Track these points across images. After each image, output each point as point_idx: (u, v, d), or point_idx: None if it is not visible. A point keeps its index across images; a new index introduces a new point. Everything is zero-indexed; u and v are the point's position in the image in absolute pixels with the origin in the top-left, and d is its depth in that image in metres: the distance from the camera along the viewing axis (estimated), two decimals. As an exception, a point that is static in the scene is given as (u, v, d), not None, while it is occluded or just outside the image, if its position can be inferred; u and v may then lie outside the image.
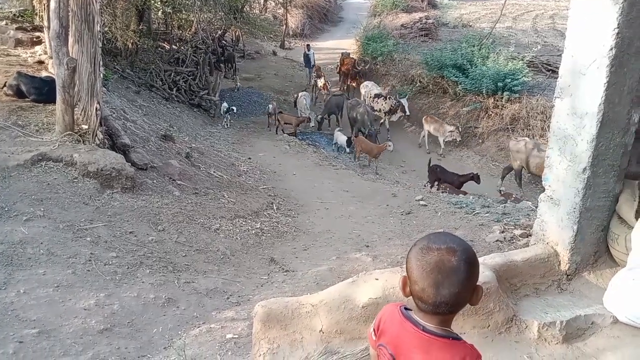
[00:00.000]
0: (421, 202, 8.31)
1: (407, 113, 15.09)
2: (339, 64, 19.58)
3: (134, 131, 8.79)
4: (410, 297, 1.43)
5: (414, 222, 7.24)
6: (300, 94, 16.26)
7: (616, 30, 2.74)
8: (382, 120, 15.32)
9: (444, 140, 14.31)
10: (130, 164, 6.74)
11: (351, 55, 20.05)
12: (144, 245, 5.41)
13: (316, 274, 5.00)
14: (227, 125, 14.40)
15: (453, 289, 1.34)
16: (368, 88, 16.35)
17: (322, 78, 17.97)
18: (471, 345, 1.42)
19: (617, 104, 2.89)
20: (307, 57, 19.74)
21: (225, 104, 14.72)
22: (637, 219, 2.92)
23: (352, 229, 7.12)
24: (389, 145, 12.70)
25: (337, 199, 8.87)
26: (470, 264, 1.37)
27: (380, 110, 15.28)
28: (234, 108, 14.93)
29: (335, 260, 5.58)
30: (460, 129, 14.28)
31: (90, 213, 5.60)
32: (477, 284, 1.41)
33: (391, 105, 15.13)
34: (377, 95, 15.60)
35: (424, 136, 14.82)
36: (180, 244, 5.62)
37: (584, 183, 2.92)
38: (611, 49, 2.76)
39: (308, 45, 21.04)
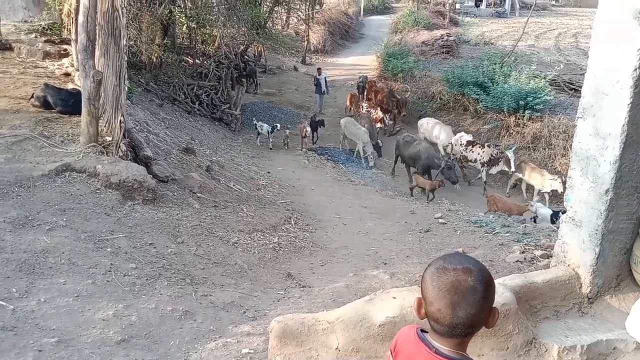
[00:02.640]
0: (440, 220, 8.25)
1: (514, 169, 12.28)
2: (361, 88, 18.20)
3: (157, 144, 8.92)
4: (426, 319, 1.42)
5: (433, 240, 7.18)
6: (347, 120, 14.67)
7: (640, 51, 2.71)
8: (478, 176, 13.23)
9: (541, 191, 11.96)
10: (151, 176, 6.82)
11: (370, 78, 19.27)
12: (163, 257, 5.45)
13: (333, 290, 4.98)
14: (271, 146, 13.98)
15: (470, 309, 1.33)
16: (447, 133, 14.08)
17: (378, 110, 16.28)
18: None
19: (642, 125, 2.86)
20: (318, 83, 17.94)
21: (265, 125, 14.24)
22: (661, 243, 2.87)
23: (369, 246, 7.09)
24: (531, 206, 9.88)
25: (355, 215, 8.85)
26: (487, 284, 1.36)
27: (476, 161, 13.00)
28: (277, 125, 14.52)
29: (352, 277, 5.55)
30: (563, 178, 10.83)
31: (111, 224, 5.67)
32: (494, 305, 1.40)
33: (491, 155, 12.63)
34: (471, 143, 13.28)
35: (515, 184, 12.95)
36: (199, 256, 5.65)
37: (606, 205, 2.88)
38: (635, 70, 2.74)
39: (320, 69, 18.88)
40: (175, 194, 7.08)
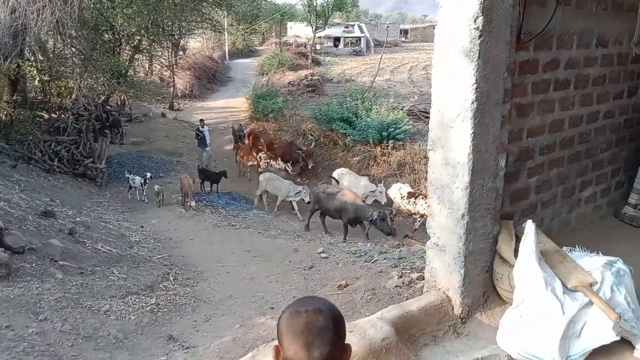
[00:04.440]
0: (322, 255, 8.34)
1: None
2: (239, 137, 17.73)
3: (9, 211, 8.02)
4: None
5: (317, 277, 7.21)
6: (268, 176, 14.12)
7: (475, 85, 2.98)
8: (415, 227, 11.99)
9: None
10: (4, 248, 6.11)
11: (247, 126, 19.01)
12: (22, 339, 4.82)
13: (219, 347, 4.73)
14: (145, 199, 13.17)
15: (324, 348, 1.37)
16: (364, 184, 13.35)
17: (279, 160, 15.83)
18: None
19: (485, 152, 3.12)
20: (201, 135, 16.79)
21: (137, 177, 13.44)
22: (516, 257, 3.11)
23: (255, 291, 6.92)
24: None
25: (239, 261, 8.63)
26: (337, 322, 1.42)
27: (418, 213, 11.89)
28: (148, 174, 13.78)
29: (239, 328, 5.34)
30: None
31: (-45, 310, 4.93)
32: (347, 342, 1.45)
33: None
34: (413, 195, 12.28)
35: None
36: (66, 332, 5.08)
37: (464, 228, 3.08)
38: (472, 102, 2.99)
39: (202, 120, 17.94)
40: (34, 265, 6.37)
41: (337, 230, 12.09)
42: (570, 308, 2.81)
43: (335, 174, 14.23)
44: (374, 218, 11.08)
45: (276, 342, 1.47)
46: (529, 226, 3.01)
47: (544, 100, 3.74)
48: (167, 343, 5.26)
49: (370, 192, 13.19)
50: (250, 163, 16.38)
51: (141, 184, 13.38)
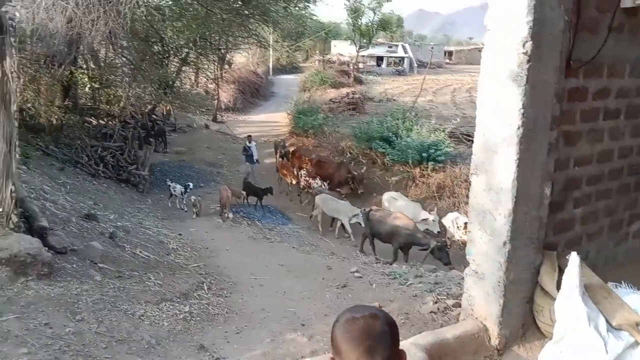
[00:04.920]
0: (356, 274, 8.27)
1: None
2: (284, 153, 17.61)
3: (54, 212, 8.33)
4: None
5: (350, 296, 7.15)
6: (323, 197, 13.54)
7: (522, 111, 2.92)
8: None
9: None
10: (47, 248, 6.32)
11: (286, 141, 18.72)
12: (60, 337, 4.95)
13: (249, 360, 4.75)
14: (185, 208, 13.37)
15: (385, 352, 1.39)
16: (414, 211, 12.63)
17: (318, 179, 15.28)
18: None
19: (530, 179, 3.05)
20: (248, 151, 16.50)
21: (178, 186, 13.62)
22: (558, 290, 3.01)
23: (287, 307, 6.91)
24: None
25: (272, 274, 8.66)
26: (393, 326, 1.45)
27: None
28: (190, 184, 13.98)
29: (269, 342, 5.34)
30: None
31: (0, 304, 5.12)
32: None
33: None
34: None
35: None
36: (101, 334, 5.19)
37: (505, 256, 3.00)
38: (519, 128, 2.93)
39: (250, 136, 17.50)
40: (75, 266, 6.57)
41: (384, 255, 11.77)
42: (614, 347, 2.68)
43: (384, 199, 13.45)
44: (432, 247, 10.68)
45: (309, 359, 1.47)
46: (573, 258, 2.90)
47: (592, 129, 3.63)
48: (197, 352, 5.30)
49: (423, 220, 12.55)
50: (289, 180, 16.26)
51: (182, 192, 13.65)
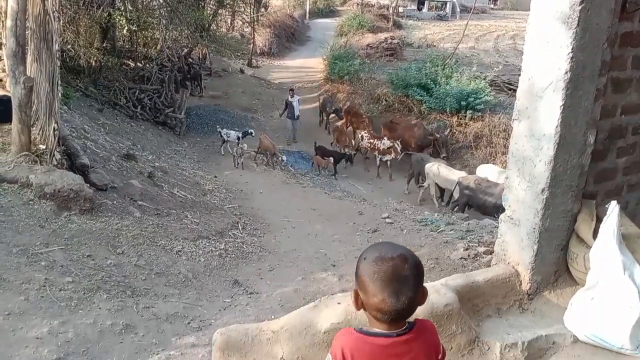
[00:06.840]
0: (387, 220, 8.34)
1: None
2: (335, 112, 16.08)
3: (95, 150, 8.58)
4: (362, 310, 1.49)
5: (380, 240, 7.23)
6: (436, 165, 11.57)
7: (570, 55, 2.79)
8: None
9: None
10: (89, 184, 6.56)
11: (330, 93, 17.49)
12: (101, 269, 5.22)
13: (281, 295, 4.91)
14: (241, 159, 12.14)
15: (411, 294, 1.42)
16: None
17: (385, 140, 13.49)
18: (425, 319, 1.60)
19: (574, 126, 2.94)
20: (289, 106, 15.52)
21: (232, 132, 12.85)
22: (594, 238, 2.96)
23: (318, 248, 7.07)
24: None
25: (304, 217, 8.81)
26: (419, 268, 1.48)
27: None
28: (252, 131, 13.28)
29: (300, 280, 5.50)
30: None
31: (46, 236, 5.39)
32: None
33: None
34: None
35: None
36: (140, 267, 5.45)
37: (542, 204, 2.95)
38: (566, 73, 2.81)
39: (292, 89, 16.56)
40: (115, 202, 6.82)
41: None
42: (648, 297, 2.65)
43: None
44: None
45: (334, 297, 1.50)
46: (613, 207, 2.84)
47: (644, 76, 3.45)
48: (232, 287, 5.51)
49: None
50: (344, 145, 14.57)
51: (238, 137, 12.98)
